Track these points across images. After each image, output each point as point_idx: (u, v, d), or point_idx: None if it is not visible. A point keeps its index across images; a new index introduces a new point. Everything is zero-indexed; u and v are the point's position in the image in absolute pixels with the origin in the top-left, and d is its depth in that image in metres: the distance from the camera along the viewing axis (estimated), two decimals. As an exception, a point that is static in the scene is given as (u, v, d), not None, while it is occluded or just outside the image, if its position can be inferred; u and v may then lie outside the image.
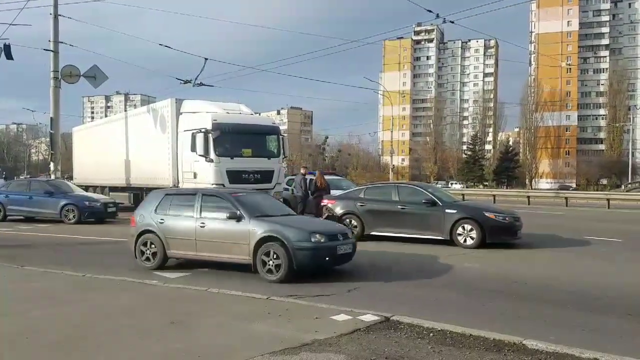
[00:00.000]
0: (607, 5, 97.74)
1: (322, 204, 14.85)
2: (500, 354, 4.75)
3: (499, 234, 12.12)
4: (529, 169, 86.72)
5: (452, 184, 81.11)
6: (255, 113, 20.12)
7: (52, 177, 22.66)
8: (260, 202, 9.55)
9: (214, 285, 7.53)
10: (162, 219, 9.21)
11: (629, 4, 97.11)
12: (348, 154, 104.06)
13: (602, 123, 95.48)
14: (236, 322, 5.74)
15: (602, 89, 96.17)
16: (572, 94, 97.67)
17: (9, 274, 8.70)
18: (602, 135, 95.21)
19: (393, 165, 60.03)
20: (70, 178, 27.94)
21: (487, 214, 12.26)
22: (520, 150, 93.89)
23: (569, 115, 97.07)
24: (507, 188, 67.31)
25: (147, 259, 9.32)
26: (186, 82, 23.70)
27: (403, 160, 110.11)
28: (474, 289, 7.87)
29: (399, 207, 12.91)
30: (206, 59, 23.22)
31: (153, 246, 9.25)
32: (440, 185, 57.01)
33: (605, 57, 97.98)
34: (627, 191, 47.12)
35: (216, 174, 16.02)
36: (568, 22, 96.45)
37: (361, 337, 5.18)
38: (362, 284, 8.19)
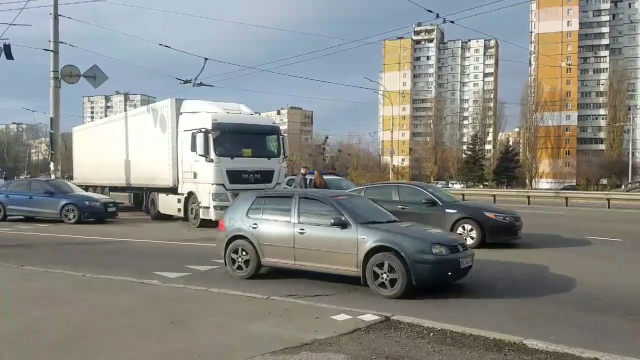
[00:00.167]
0: (607, 5, 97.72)
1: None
2: (500, 354, 4.75)
3: (499, 234, 12.13)
4: (529, 169, 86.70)
5: (452, 184, 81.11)
6: (256, 113, 20.10)
7: (52, 177, 22.67)
8: (361, 205, 8.71)
9: (214, 285, 7.53)
10: (255, 224, 8.43)
11: (629, 4, 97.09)
12: (348, 154, 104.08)
13: (602, 123, 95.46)
14: (236, 322, 5.73)
15: (602, 88, 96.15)
16: (572, 94, 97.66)
17: (9, 274, 8.70)
18: (602, 135, 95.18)
19: (393, 165, 60.03)
20: (70, 178, 27.95)
21: (487, 213, 12.27)
22: (521, 150, 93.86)
23: (569, 115, 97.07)
24: (507, 188, 67.28)
25: (239, 267, 8.53)
26: (186, 82, 23.71)
27: (403, 160, 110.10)
28: (473, 288, 7.87)
29: (399, 207, 12.88)
30: (206, 59, 23.24)
31: (245, 253, 8.47)
32: (440, 185, 57.00)
33: (605, 57, 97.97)
34: (627, 191, 47.08)
35: (216, 174, 16.01)
36: (568, 22, 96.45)
37: (361, 337, 5.18)
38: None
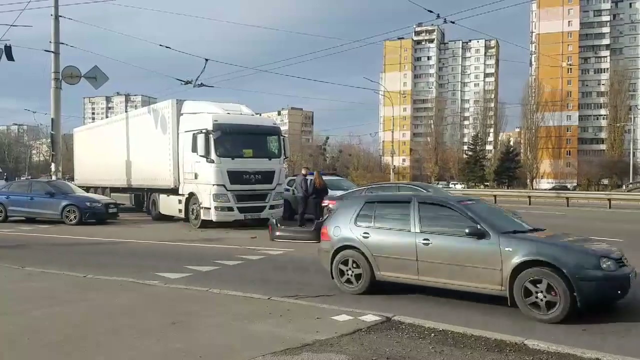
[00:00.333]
0: (607, 5, 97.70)
1: (323, 204, 14.86)
2: (501, 354, 4.75)
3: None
4: (530, 169, 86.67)
5: (453, 184, 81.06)
6: (256, 114, 20.11)
7: (53, 177, 22.68)
8: (492, 212, 7.65)
9: (215, 285, 7.52)
10: (366, 233, 7.51)
11: (630, 3, 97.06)
12: (349, 154, 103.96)
13: (603, 123, 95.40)
14: (237, 322, 5.72)
15: (602, 89, 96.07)
16: (573, 94, 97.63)
17: (10, 275, 8.70)
18: (603, 135, 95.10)
19: (394, 165, 60.02)
20: (71, 179, 27.97)
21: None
22: (521, 150, 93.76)
23: (570, 115, 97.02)
24: (508, 188, 67.20)
25: (349, 281, 7.60)
26: (187, 82, 23.70)
27: (404, 160, 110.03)
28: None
29: (400, 207, 12.86)
30: (207, 59, 23.25)
31: (356, 266, 7.52)
32: (441, 186, 56.95)
33: (606, 57, 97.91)
34: (628, 191, 47.07)
35: (217, 175, 16.02)
36: (569, 22, 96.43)
37: (362, 338, 5.17)
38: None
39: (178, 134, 17.39)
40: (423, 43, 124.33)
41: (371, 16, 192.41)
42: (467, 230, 6.63)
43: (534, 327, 5.79)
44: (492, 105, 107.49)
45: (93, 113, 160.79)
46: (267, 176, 16.82)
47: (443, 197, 8.72)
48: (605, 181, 75.51)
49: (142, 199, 20.83)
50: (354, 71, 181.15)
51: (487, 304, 6.82)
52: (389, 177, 59.23)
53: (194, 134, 16.22)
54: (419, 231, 7.07)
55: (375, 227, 7.52)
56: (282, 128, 20.57)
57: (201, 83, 23.62)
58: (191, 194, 16.96)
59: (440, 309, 6.64)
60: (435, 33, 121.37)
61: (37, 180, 26.78)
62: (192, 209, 16.99)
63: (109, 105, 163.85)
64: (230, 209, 16.16)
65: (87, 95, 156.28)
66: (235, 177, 16.20)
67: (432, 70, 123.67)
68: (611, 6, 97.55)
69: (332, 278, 7.74)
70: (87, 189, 22.56)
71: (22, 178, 64.11)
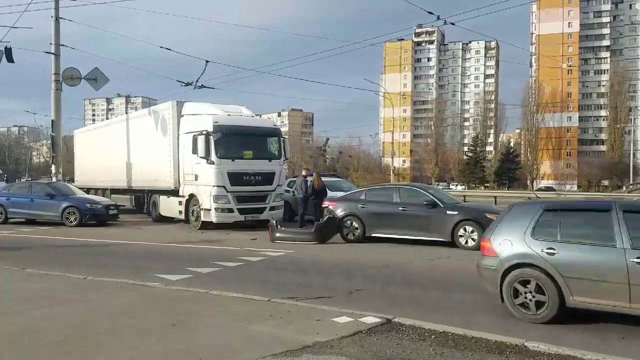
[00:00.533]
0: (607, 7, 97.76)
1: (323, 205, 14.86)
2: (502, 356, 4.74)
3: (501, 236, 12.02)
4: (530, 170, 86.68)
5: (453, 185, 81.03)
6: (256, 115, 20.11)
7: (54, 179, 22.70)
8: None
9: (215, 287, 7.51)
10: (551, 248, 6.10)
11: (630, 5, 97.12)
12: (349, 155, 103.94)
13: (603, 124, 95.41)
14: (237, 324, 5.72)
15: (603, 90, 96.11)
16: (573, 95, 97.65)
17: (10, 275, 8.70)
18: (603, 136, 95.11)
19: (394, 166, 60.00)
20: (72, 180, 27.98)
21: (488, 215, 12.20)
22: (522, 151, 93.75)
23: (570, 117, 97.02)
24: (508, 189, 67.23)
25: (525, 305, 6.20)
26: (187, 84, 23.72)
27: (404, 161, 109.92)
28: (475, 290, 7.84)
29: (400, 208, 12.90)
30: (207, 61, 23.27)
31: (537, 289, 6.14)
32: (441, 187, 56.95)
33: (606, 58, 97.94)
34: (628, 192, 47.05)
35: (217, 176, 16.03)
36: (569, 23, 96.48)
37: (363, 339, 5.16)
38: (363, 285, 8.18)
39: (178, 135, 17.40)
40: (423, 44, 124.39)
41: (371, 17, 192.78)
42: None
43: (535, 329, 5.78)
44: (492, 106, 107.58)
45: (93, 114, 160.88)
46: (267, 177, 16.83)
47: None
48: (606, 182, 75.55)
49: (143, 201, 20.83)
50: (354, 72, 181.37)
51: (488, 305, 6.82)
52: (389, 179, 59.19)
53: (194, 135, 16.23)
54: (629, 247, 5.68)
55: (563, 240, 6.16)
56: (282, 129, 20.57)
57: (202, 85, 23.65)
58: (191, 196, 16.96)
59: (441, 311, 6.63)
60: (435, 34, 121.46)
61: (38, 182, 26.72)
62: (193, 211, 16.99)
63: (110, 106, 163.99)
64: (230, 210, 16.16)
65: (88, 97, 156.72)
66: (235, 178, 16.21)
67: (432, 72, 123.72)
68: (611, 7, 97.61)
69: (502, 301, 6.41)
70: (87, 190, 22.56)
71: (22, 180, 64.11)
